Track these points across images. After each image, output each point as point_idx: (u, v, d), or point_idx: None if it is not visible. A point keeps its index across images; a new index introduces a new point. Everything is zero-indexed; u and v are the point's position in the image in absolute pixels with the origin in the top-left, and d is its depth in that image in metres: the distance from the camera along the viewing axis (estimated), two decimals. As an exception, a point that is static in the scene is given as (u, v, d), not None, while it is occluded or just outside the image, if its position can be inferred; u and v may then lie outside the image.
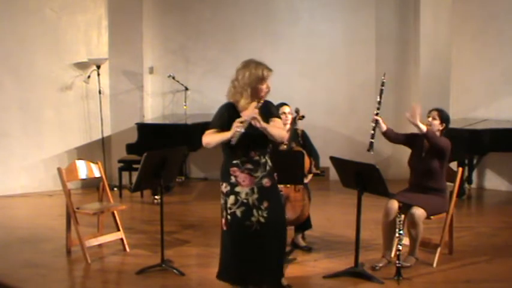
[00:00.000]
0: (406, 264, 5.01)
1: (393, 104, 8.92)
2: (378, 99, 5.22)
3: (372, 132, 5.18)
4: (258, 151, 4.20)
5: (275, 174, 4.31)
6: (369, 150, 5.16)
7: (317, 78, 9.09)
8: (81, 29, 8.58)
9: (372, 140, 5.17)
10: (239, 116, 4.17)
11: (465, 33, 8.45)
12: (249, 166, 4.18)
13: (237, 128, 4.04)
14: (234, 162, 4.20)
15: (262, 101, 4.18)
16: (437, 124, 5.19)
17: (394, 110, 8.85)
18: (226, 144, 4.19)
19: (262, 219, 4.17)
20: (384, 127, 5.25)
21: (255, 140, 4.16)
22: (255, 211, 4.17)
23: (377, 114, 5.22)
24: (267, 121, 4.15)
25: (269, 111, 4.23)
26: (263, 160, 4.23)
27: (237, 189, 4.19)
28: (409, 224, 5.04)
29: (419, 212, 4.99)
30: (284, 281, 4.53)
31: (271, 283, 4.32)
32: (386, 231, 5.10)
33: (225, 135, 4.11)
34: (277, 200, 4.31)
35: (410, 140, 5.35)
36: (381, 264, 5.06)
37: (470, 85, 8.40)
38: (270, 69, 4.21)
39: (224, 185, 4.25)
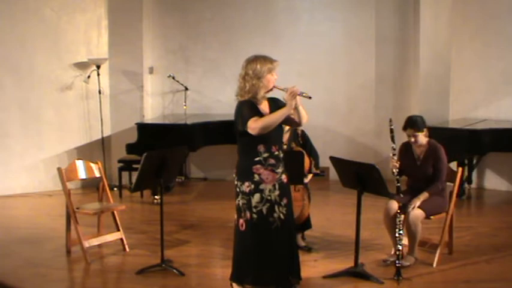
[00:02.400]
0: (406, 263, 5.01)
1: (393, 104, 8.93)
2: (393, 145, 5.02)
3: (398, 177, 5.01)
4: (278, 145, 4.27)
5: None
6: (398, 194, 5.00)
7: (317, 78, 9.08)
8: (81, 29, 8.58)
9: (399, 185, 5.01)
10: (260, 112, 4.22)
11: (465, 33, 8.44)
12: (272, 162, 4.23)
13: (296, 92, 4.14)
14: (257, 159, 4.21)
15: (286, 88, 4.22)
16: (421, 136, 5.13)
17: (394, 110, 8.85)
18: (246, 142, 4.23)
19: (282, 216, 4.26)
20: None
21: (277, 135, 4.26)
22: (276, 207, 4.25)
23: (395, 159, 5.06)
24: None
25: (280, 106, 4.28)
26: (281, 156, 4.30)
27: (262, 186, 4.22)
28: (407, 224, 5.04)
29: (417, 212, 5.01)
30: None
31: (296, 279, 4.41)
32: (390, 229, 5.10)
33: (285, 110, 4.16)
34: (291, 197, 4.44)
35: (401, 155, 5.25)
36: (392, 259, 5.07)
37: (470, 85, 8.40)
38: (275, 60, 4.32)
39: (247, 184, 4.22)
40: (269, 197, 4.23)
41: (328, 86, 9.09)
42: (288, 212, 4.31)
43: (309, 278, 4.93)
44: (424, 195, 5.05)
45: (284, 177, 4.32)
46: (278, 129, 4.27)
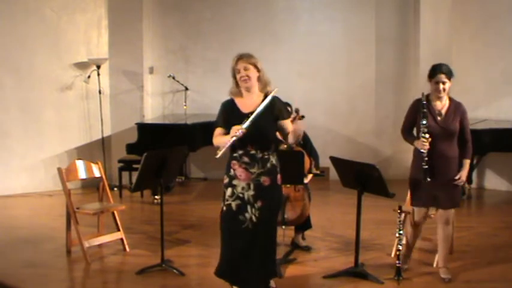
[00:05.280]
0: (447, 276, 4.79)
1: (393, 104, 8.94)
2: (423, 122, 4.59)
3: (426, 159, 4.56)
4: (255, 145, 4.19)
5: (279, 174, 4.27)
6: (425, 178, 4.58)
7: (317, 78, 9.09)
8: (81, 29, 8.58)
9: (426, 167, 4.57)
10: (235, 111, 4.24)
11: (465, 33, 8.45)
12: (246, 160, 4.19)
13: (230, 138, 4.09)
14: (234, 155, 4.23)
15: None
16: (448, 87, 4.66)
17: (394, 110, 8.87)
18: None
19: (254, 219, 4.17)
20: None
21: (252, 135, 4.15)
22: (249, 207, 4.18)
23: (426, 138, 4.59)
24: (272, 118, 4.19)
25: (278, 112, 4.24)
26: (260, 156, 4.19)
27: (235, 182, 4.21)
28: (443, 224, 4.76)
29: (452, 211, 4.78)
30: (272, 284, 4.51)
31: (255, 283, 4.28)
32: (416, 239, 4.91)
33: (225, 138, 4.17)
34: (273, 201, 4.25)
35: (414, 114, 4.76)
36: (406, 266, 4.93)
37: (470, 85, 8.40)
38: (239, 57, 4.25)
39: (225, 177, 4.27)
40: (241, 195, 4.18)
41: (328, 86, 9.10)
42: (262, 216, 4.17)
43: (309, 278, 4.95)
44: (467, 164, 4.67)
45: (264, 180, 4.19)
46: (254, 129, 4.13)
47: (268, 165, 4.21)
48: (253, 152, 4.19)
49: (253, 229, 4.17)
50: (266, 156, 4.21)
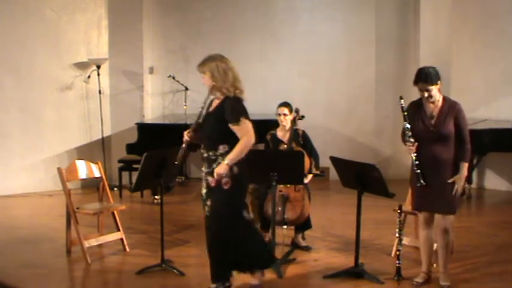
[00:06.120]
0: (446, 283, 4.61)
1: (393, 104, 8.93)
2: (406, 126, 4.48)
3: (417, 163, 4.45)
4: (205, 147, 4.32)
5: (227, 179, 4.19)
6: (419, 182, 4.46)
7: (317, 78, 9.09)
8: (81, 29, 8.58)
9: (419, 171, 4.45)
10: None
11: (465, 33, 8.46)
12: (202, 160, 4.36)
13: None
14: None
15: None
16: (435, 90, 4.41)
17: (394, 110, 8.86)
18: None
19: (208, 213, 4.38)
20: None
21: (201, 136, 4.36)
22: (202, 204, 4.40)
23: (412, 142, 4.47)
24: (219, 120, 4.21)
25: (225, 114, 4.21)
26: (206, 155, 4.30)
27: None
28: (441, 232, 4.53)
29: (450, 218, 4.55)
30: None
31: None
32: (426, 244, 4.66)
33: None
34: (217, 202, 4.26)
35: (412, 115, 4.55)
36: (420, 281, 4.66)
37: (470, 85, 8.41)
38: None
39: None
40: (201, 191, 4.40)
41: (328, 86, 9.11)
42: (210, 214, 4.32)
43: (309, 278, 4.95)
44: (464, 168, 4.42)
45: (211, 181, 4.25)
46: (203, 131, 4.35)
47: (215, 165, 4.24)
48: (205, 153, 4.33)
49: (207, 222, 4.38)
50: (213, 157, 4.26)
